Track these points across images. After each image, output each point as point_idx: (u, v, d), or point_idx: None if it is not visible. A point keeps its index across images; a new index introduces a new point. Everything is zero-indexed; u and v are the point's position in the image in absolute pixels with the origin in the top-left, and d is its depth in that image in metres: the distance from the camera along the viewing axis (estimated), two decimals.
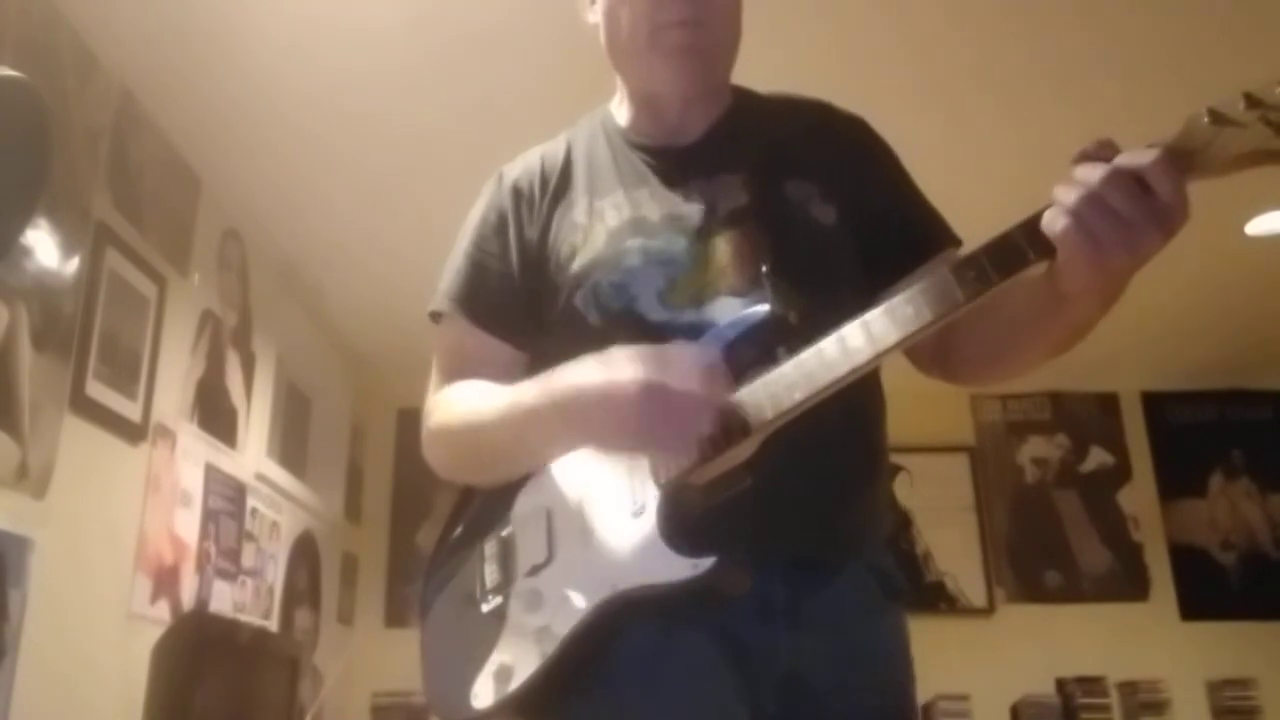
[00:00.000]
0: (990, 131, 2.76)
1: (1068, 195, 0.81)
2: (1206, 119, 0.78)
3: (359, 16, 2.28)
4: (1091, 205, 0.79)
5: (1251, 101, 0.76)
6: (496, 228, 1.19)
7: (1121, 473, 4.61)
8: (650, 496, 0.97)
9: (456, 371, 1.17)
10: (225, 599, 2.91)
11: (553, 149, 1.23)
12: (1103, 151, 0.82)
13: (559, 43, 2.12)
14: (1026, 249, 0.84)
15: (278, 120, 2.64)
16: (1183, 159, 0.79)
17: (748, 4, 1.18)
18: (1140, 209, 0.78)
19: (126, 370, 2.41)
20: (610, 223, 1.12)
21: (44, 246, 2.09)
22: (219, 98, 2.54)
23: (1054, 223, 0.82)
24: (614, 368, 0.93)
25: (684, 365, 0.91)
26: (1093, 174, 0.80)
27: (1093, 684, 4.10)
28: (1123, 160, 0.80)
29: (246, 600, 3.07)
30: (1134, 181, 0.79)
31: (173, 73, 2.43)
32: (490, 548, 1.08)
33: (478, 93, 2.51)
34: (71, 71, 2.22)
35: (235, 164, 2.82)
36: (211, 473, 2.85)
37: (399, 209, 3.03)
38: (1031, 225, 0.84)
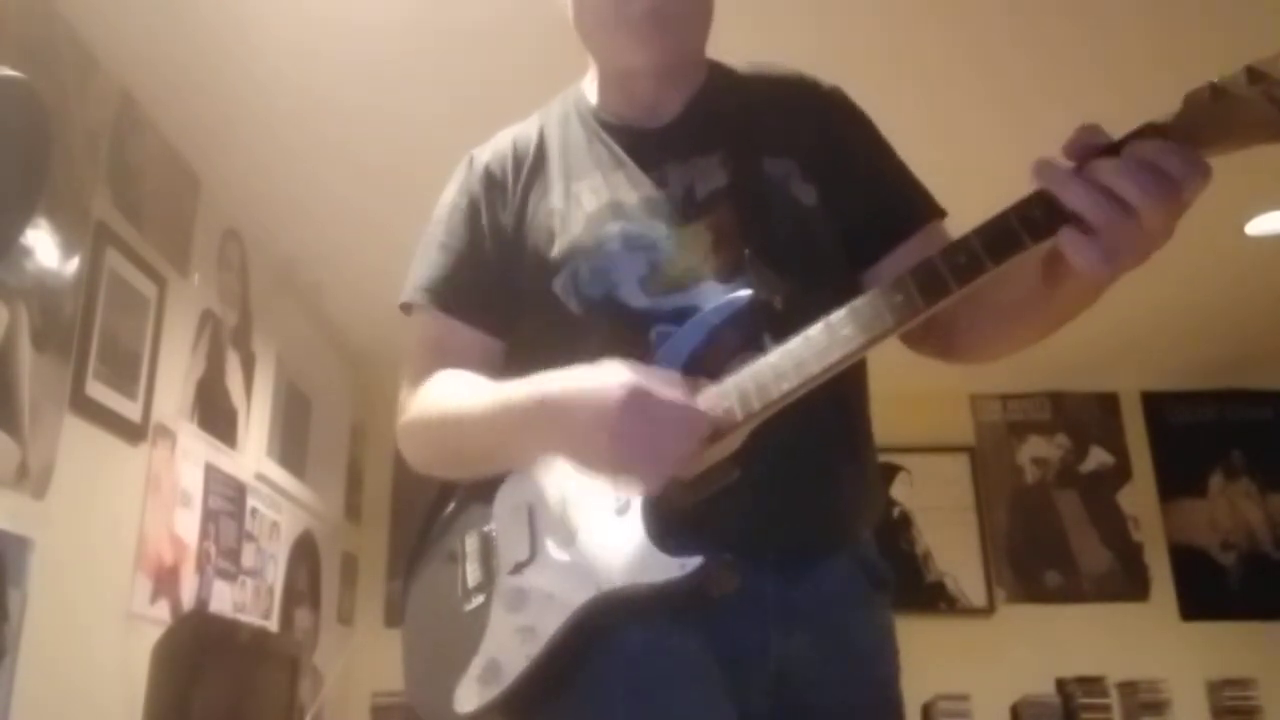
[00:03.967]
0: (976, 124, 2.76)
1: (1078, 199, 0.75)
2: (1208, 94, 0.74)
3: (359, 15, 2.28)
4: (1106, 212, 0.74)
5: (1254, 76, 0.72)
6: (468, 214, 1.16)
7: (1121, 473, 4.61)
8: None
9: (433, 364, 1.13)
10: (225, 599, 2.91)
11: (524, 131, 1.20)
12: (1091, 138, 0.77)
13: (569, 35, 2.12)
14: (1021, 233, 0.80)
15: (277, 120, 2.64)
16: (1183, 136, 0.75)
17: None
18: (1157, 202, 0.73)
19: (126, 370, 2.40)
20: (588, 207, 1.09)
21: (44, 246, 2.09)
22: (219, 98, 2.54)
23: (1066, 240, 0.76)
24: (604, 372, 0.91)
25: (670, 382, 0.90)
26: (1105, 174, 0.75)
27: (1093, 684, 4.09)
28: (1139, 151, 0.74)
29: (246, 600, 3.07)
30: (1149, 171, 0.73)
31: (173, 73, 2.43)
32: (471, 544, 1.05)
33: (479, 90, 2.50)
34: (71, 71, 2.21)
35: (235, 164, 2.82)
36: (211, 473, 2.85)
37: (399, 209, 3.01)
38: (1025, 208, 0.79)
